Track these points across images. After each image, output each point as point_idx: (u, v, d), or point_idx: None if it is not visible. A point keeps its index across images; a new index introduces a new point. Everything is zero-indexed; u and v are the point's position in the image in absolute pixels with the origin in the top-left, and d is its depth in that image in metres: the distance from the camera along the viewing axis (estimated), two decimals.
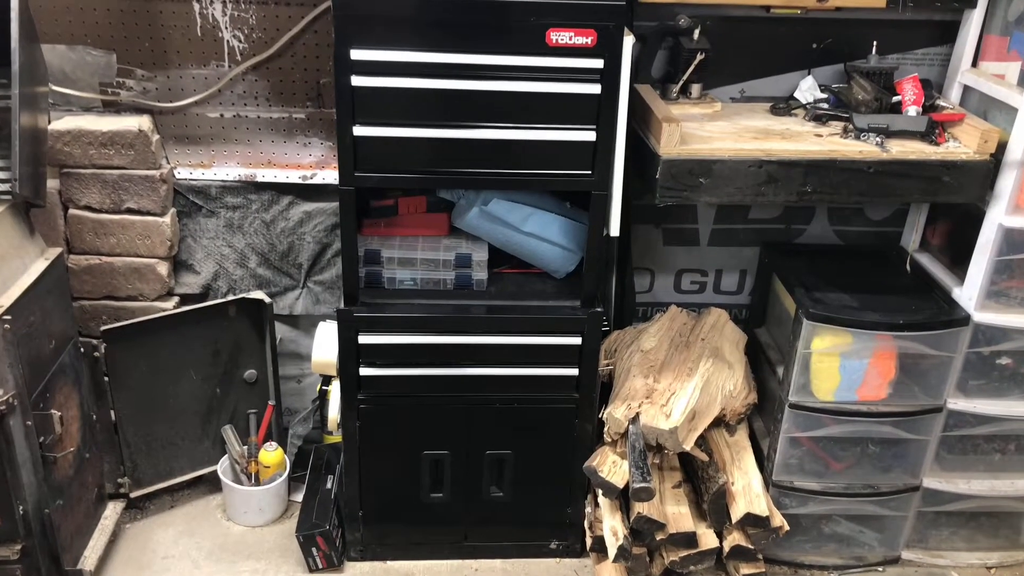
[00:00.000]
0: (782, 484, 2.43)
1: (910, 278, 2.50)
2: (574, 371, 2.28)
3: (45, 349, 2.10)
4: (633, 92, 2.21)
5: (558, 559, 2.51)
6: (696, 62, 2.29)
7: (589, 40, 1.94)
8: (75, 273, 2.47)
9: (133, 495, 2.54)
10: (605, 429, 2.29)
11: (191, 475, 2.64)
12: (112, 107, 2.41)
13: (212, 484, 2.67)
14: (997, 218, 2.16)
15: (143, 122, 2.38)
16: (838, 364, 2.31)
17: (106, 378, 2.40)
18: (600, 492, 2.32)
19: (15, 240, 2.04)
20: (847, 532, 2.52)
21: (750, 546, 2.32)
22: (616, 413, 2.24)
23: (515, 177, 2.08)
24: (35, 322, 2.03)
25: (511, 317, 2.24)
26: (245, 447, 2.60)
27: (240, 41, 2.34)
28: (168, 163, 2.47)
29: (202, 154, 2.48)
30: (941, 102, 2.32)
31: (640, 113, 2.24)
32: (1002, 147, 2.12)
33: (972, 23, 2.31)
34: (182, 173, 2.47)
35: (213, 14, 2.31)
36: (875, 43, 2.34)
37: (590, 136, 2.03)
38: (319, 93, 2.41)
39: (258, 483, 2.57)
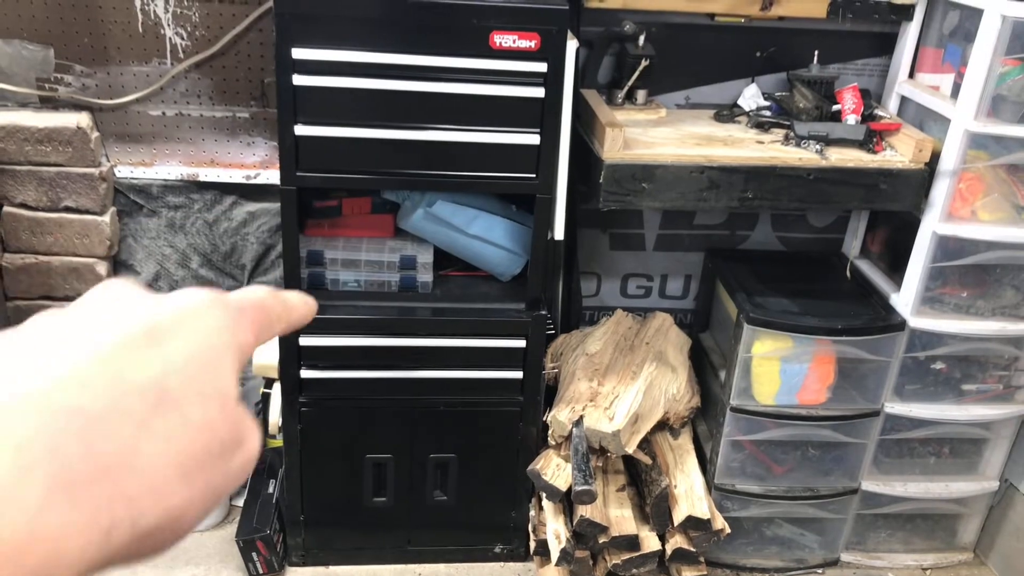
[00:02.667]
0: (724, 487, 2.45)
1: (850, 284, 2.55)
2: (518, 374, 2.28)
3: None
4: (579, 97, 2.23)
5: (502, 563, 2.51)
6: (641, 68, 2.32)
7: (533, 44, 1.94)
8: (10, 272, 2.41)
9: None
10: (549, 432, 2.29)
11: None
12: (50, 103, 2.35)
13: None
14: (931, 226, 2.21)
15: (82, 119, 2.33)
16: (778, 368, 2.34)
17: None
18: (544, 495, 2.32)
19: None
20: (788, 535, 2.56)
21: (692, 549, 2.33)
22: (560, 416, 2.25)
23: (460, 179, 2.08)
24: None
25: (456, 319, 2.23)
26: None
27: (183, 39, 2.31)
28: (108, 161, 2.42)
29: (143, 152, 2.43)
30: (879, 112, 2.37)
31: (585, 118, 2.25)
32: (936, 156, 2.17)
33: (909, 35, 2.36)
34: (122, 171, 2.43)
35: (155, 10, 2.27)
36: (817, 53, 2.38)
37: (534, 140, 2.03)
38: (263, 92, 2.39)
39: None
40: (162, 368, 0.32)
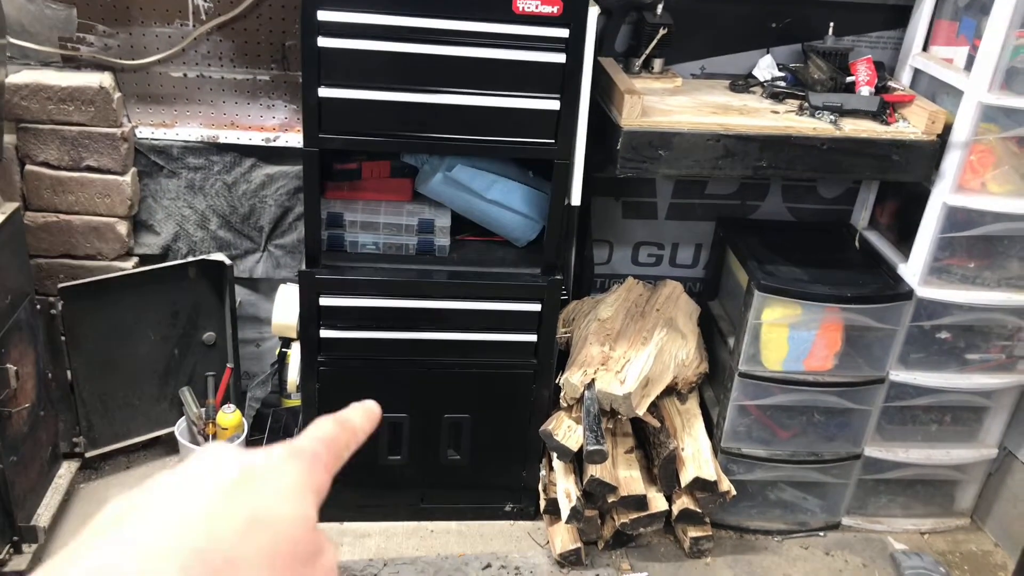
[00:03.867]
0: (730, 451, 2.51)
1: (859, 254, 2.59)
2: (533, 337, 2.33)
3: (1, 304, 2.08)
4: (597, 65, 2.25)
5: (512, 521, 2.57)
6: (659, 37, 2.34)
7: (555, 9, 1.97)
8: (31, 230, 2.44)
9: (88, 455, 2.54)
10: (561, 394, 2.35)
11: (148, 436, 2.64)
12: (72, 63, 2.37)
13: (169, 446, 2.67)
14: (941, 197, 2.25)
15: (104, 79, 2.36)
16: (787, 335, 2.38)
17: (63, 337, 2.38)
18: (555, 456, 2.37)
19: None
20: (791, 498, 2.62)
21: (698, 510, 2.39)
22: (572, 379, 2.30)
23: (479, 144, 2.11)
24: None
25: (472, 283, 2.28)
26: (203, 409, 2.60)
27: (205, 0, 2.33)
28: (129, 121, 2.45)
29: (164, 113, 2.46)
30: (893, 84, 2.40)
31: (603, 85, 2.28)
32: (948, 128, 2.20)
33: (924, 8, 2.39)
34: (143, 132, 2.45)
35: None
36: (832, 25, 2.40)
37: (554, 105, 2.06)
38: (284, 55, 2.41)
39: None
40: (251, 513, 0.42)
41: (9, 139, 2.32)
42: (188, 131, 2.46)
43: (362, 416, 0.54)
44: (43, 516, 2.30)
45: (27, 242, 2.35)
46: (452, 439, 2.44)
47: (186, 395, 2.59)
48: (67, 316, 2.37)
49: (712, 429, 2.51)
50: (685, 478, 2.34)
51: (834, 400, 2.45)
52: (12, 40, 2.29)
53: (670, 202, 2.70)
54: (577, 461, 2.36)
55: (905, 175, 2.26)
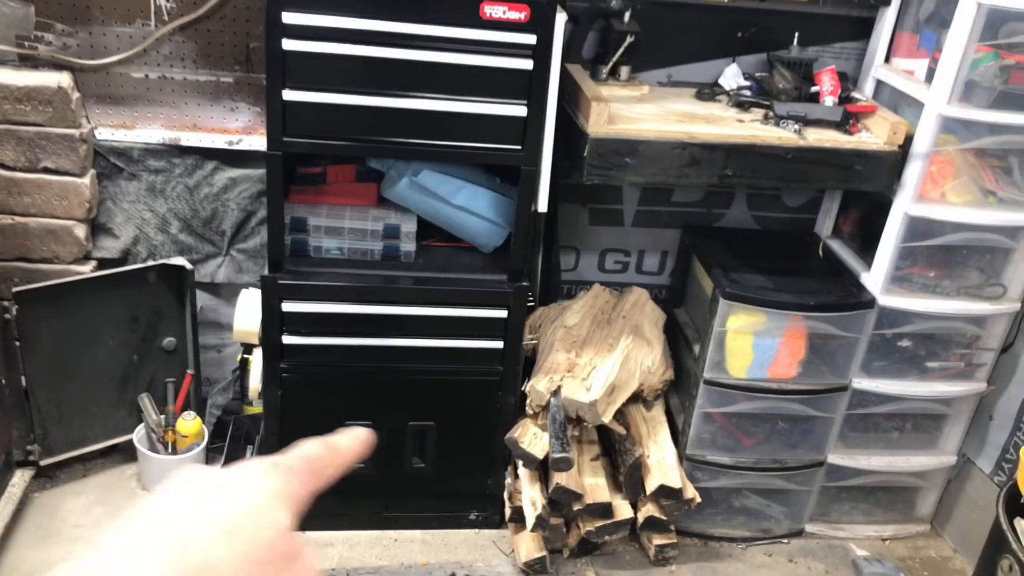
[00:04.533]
0: (695, 458, 2.51)
1: (822, 263, 2.61)
2: (499, 344, 2.31)
3: None
4: (564, 71, 2.24)
5: (477, 530, 2.55)
6: (626, 45, 2.34)
7: (523, 15, 1.96)
8: None
9: (43, 463, 2.47)
10: (527, 402, 2.33)
11: (105, 444, 2.58)
12: (29, 61, 2.32)
13: (127, 453, 2.62)
14: (903, 207, 2.28)
15: (63, 79, 2.31)
16: (751, 342, 2.40)
17: (17, 342, 2.33)
18: (520, 463, 2.36)
19: None
20: (755, 506, 2.63)
21: (663, 517, 2.40)
22: (538, 386, 2.29)
23: (446, 149, 2.10)
24: None
25: (438, 289, 2.26)
26: (162, 416, 2.55)
27: (168, 0, 2.29)
28: (89, 122, 2.40)
29: (125, 115, 2.41)
30: (856, 94, 2.43)
31: (570, 92, 2.28)
32: (909, 139, 2.23)
33: (886, 20, 2.42)
34: (103, 134, 2.40)
35: None
36: (797, 35, 2.42)
37: (521, 111, 2.06)
38: (248, 57, 2.38)
39: (175, 453, 2.53)
40: (227, 520, 0.45)
41: None
42: (149, 133, 2.42)
43: (350, 440, 0.56)
44: None
45: None
46: (417, 447, 2.42)
47: (145, 402, 2.54)
48: (22, 321, 2.31)
49: (677, 436, 2.52)
50: (650, 485, 2.34)
51: (798, 408, 2.47)
52: None
53: (636, 209, 2.71)
54: (543, 469, 2.35)
55: (867, 185, 2.28)
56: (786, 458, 2.55)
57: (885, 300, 2.36)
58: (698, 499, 2.39)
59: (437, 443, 2.41)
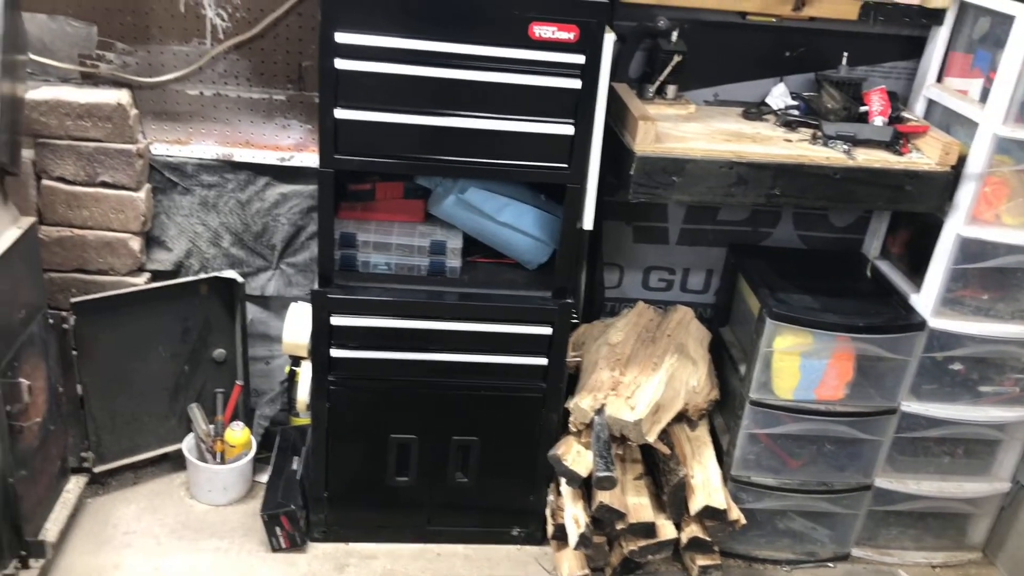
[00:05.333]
0: (740, 479, 2.49)
1: (870, 283, 2.58)
2: (543, 360, 2.32)
3: (15, 318, 2.09)
4: (611, 90, 2.25)
5: (519, 546, 2.55)
6: (673, 64, 2.35)
7: (571, 36, 1.98)
8: (46, 245, 2.45)
9: (96, 470, 2.53)
10: (571, 419, 2.34)
11: (156, 452, 2.63)
12: (90, 79, 2.40)
13: (176, 462, 2.67)
14: (955, 228, 2.24)
15: (122, 96, 2.38)
16: (798, 363, 2.37)
17: (74, 351, 2.39)
18: (563, 481, 2.36)
19: None
20: (800, 528, 2.59)
21: (707, 538, 2.38)
22: (582, 403, 2.29)
23: (493, 167, 2.12)
24: (6, 290, 2.02)
25: (483, 305, 2.28)
26: (211, 426, 2.60)
27: (223, 20, 2.35)
28: (145, 138, 2.46)
29: (180, 131, 2.48)
30: (906, 114, 2.40)
31: (616, 111, 2.29)
32: (962, 160, 2.20)
33: (939, 39, 2.39)
34: (159, 149, 2.47)
35: None
36: (846, 54, 2.41)
37: (568, 130, 2.07)
38: (300, 75, 2.43)
39: (223, 462, 2.58)
40: None
41: (26, 154, 2.34)
42: (203, 149, 2.48)
43: None
44: (51, 531, 2.29)
45: (41, 256, 2.37)
46: (460, 461, 2.43)
47: (195, 412, 2.59)
48: (79, 331, 2.37)
49: (722, 457, 2.50)
50: (694, 506, 2.33)
51: (845, 430, 2.44)
52: (32, 57, 2.31)
53: (681, 227, 2.70)
54: (586, 487, 2.35)
55: (918, 206, 2.25)
56: (832, 481, 2.51)
57: (936, 323, 2.32)
58: (743, 520, 2.37)
59: (480, 458, 2.42)
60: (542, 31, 1.97)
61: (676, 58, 2.34)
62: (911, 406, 2.42)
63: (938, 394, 2.42)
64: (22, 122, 2.19)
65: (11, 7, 1.94)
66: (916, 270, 2.44)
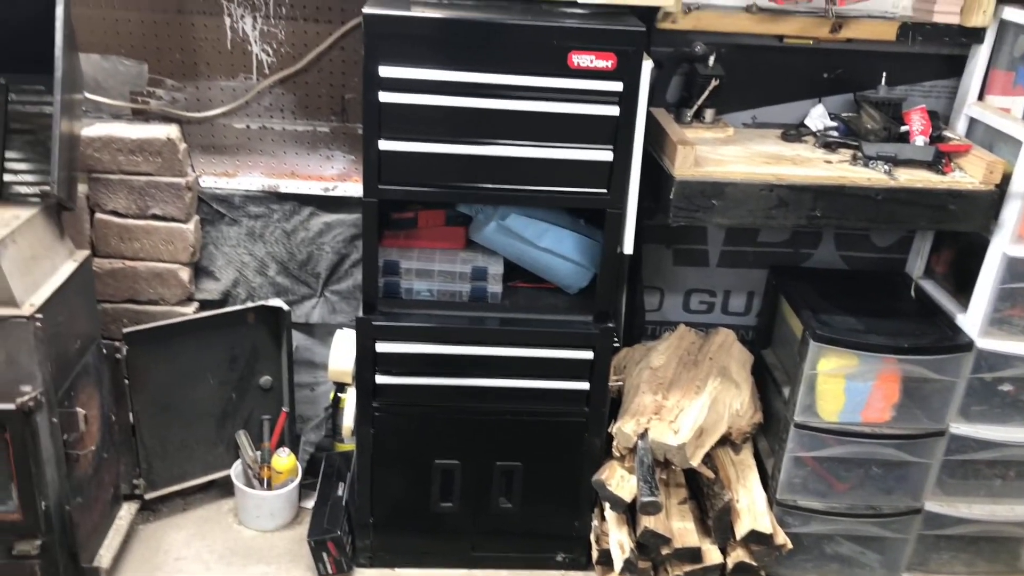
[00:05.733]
0: (786, 503, 2.47)
1: (915, 304, 2.56)
2: (585, 385, 2.33)
3: (71, 349, 2.15)
4: (648, 115, 2.28)
5: (564, 572, 2.54)
6: (711, 88, 2.36)
7: (609, 64, 2.01)
8: (99, 276, 2.52)
9: (147, 496, 2.58)
10: (614, 444, 2.34)
11: (204, 479, 2.68)
12: (141, 115, 2.47)
13: (224, 488, 2.71)
14: (1001, 247, 2.22)
15: (171, 131, 2.45)
16: (843, 386, 2.35)
17: (126, 380, 2.45)
18: (608, 506, 2.36)
19: (47, 241, 2.09)
20: (849, 552, 2.56)
21: (753, 563, 2.35)
22: (625, 428, 2.29)
23: (533, 194, 2.14)
24: (63, 322, 2.08)
25: (525, 330, 2.29)
26: (258, 452, 2.64)
27: (269, 55, 2.42)
28: (194, 171, 2.53)
29: (227, 163, 2.54)
30: (948, 133, 2.39)
31: (654, 136, 2.30)
32: (1007, 178, 2.18)
33: (979, 58, 2.38)
34: (207, 181, 2.54)
35: (244, 28, 2.38)
36: (884, 74, 2.41)
37: (607, 156, 2.09)
38: (343, 108, 2.48)
39: (270, 488, 2.61)
40: None
41: (81, 189, 2.42)
42: (250, 180, 2.54)
43: None
44: (104, 557, 2.34)
45: (95, 288, 2.43)
46: (504, 487, 2.44)
47: (242, 438, 2.63)
48: (131, 360, 2.43)
49: (767, 480, 2.48)
50: (740, 530, 2.31)
51: (892, 452, 2.41)
52: (87, 95, 2.39)
53: (722, 249, 2.70)
54: (630, 511, 2.34)
55: (963, 225, 2.24)
56: (881, 504, 2.48)
57: (984, 343, 2.29)
58: (789, 545, 2.35)
59: (524, 484, 2.43)
60: (581, 60, 2.00)
61: (713, 82, 2.35)
62: (960, 428, 2.38)
63: (987, 415, 2.38)
64: (78, 158, 2.26)
65: (70, 48, 2.01)
66: (962, 290, 2.42)
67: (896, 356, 2.31)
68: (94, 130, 2.41)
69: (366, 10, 1.94)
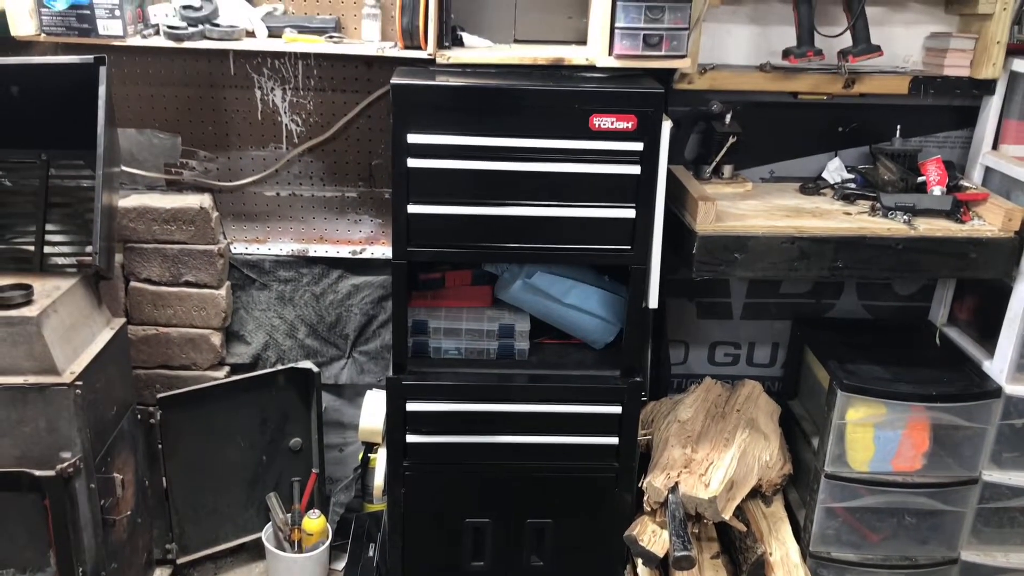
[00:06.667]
0: (820, 555, 2.45)
1: (940, 351, 2.56)
2: (614, 440, 2.34)
3: (108, 415, 2.19)
4: (668, 173, 2.33)
5: None
6: (728, 144, 2.42)
7: (630, 125, 2.06)
8: (133, 343, 2.57)
9: (180, 561, 2.60)
10: (644, 498, 2.34)
11: (235, 542, 2.69)
12: (175, 186, 2.55)
13: (255, 552, 2.72)
14: None
15: (204, 200, 2.52)
16: (872, 435, 2.35)
17: (159, 445, 2.48)
18: (640, 561, 2.35)
19: (85, 310, 2.15)
20: None
21: None
22: (656, 482, 2.29)
23: (558, 252, 2.18)
24: (100, 389, 2.13)
25: (553, 386, 2.31)
26: (288, 515, 2.65)
27: (298, 125, 2.50)
28: (225, 238, 2.60)
29: (258, 230, 2.61)
30: (964, 182, 2.42)
31: (675, 192, 2.35)
32: None
33: (991, 108, 2.43)
34: (238, 248, 2.60)
35: (273, 100, 2.47)
36: (899, 127, 2.46)
37: (630, 213, 2.14)
38: (371, 174, 2.55)
39: (301, 551, 2.61)
40: None
41: (116, 258, 2.48)
42: (280, 246, 2.60)
43: None
44: None
45: (130, 354, 2.48)
46: (535, 544, 2.43)
47: (272, 501, 2.65)
48: (164, 425, 2.47)
49: (799, 532, 2.46)
50: None
51: (925, 501, 2.39)
52: (123, 168, 2.48)
53: (745, 302, 2.73)
54: (663, 567, 2.33)
55: (984, 272, 2.26)
56: (916, 555, 2.46)
57: (1012, 389, 2.30)
58: None
59: (555, 540, 2.42)
60: (602, 122, 2.05)
61: (731, 139, 2.41)
62: (992, 475, 2.37)
63: (1020, 462, 2.37)
64: (115, 229, 2.33)
65: (109, 124, 2.10)
66: (987, 336, 2.43)
67: (924, 404, 2.31)
68: (130, 201, 2.49)
69: (395, 80, 2.01)
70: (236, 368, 2.69)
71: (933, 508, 2.40)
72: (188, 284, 2.57)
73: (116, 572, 2.22)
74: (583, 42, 2.39)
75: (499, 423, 2.32)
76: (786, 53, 2.35)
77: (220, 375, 2.64)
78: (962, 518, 2.42)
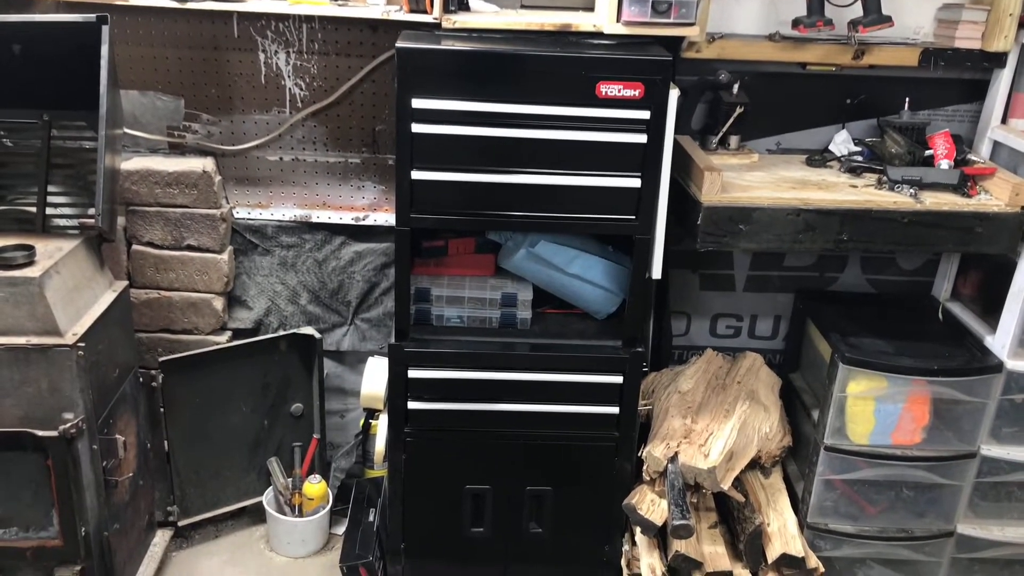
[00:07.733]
0: (817, 526, 2.46)
1: (942, 326, 2.56)
2: (615, 409, 2.34)
3: (110, 377, 2.20)
4: (674, 143, 2.31)
5: None
6: (735, 115, 2.40)
7: (637, 92, 2.04)
8: (135, 306, 2.57)
9: (181, 524, 2.62)
10: (644, 468, 2.35)
11: (236, 506, 2.71)
12: (177, 149, 2.54)
13: (255, 515, 2.74)
14: None
15: (207, 164, 2.51)
16: (873, 408, 2.36)
17: (161, 408, 2.49)
18: (638, 530, 2.36)
19: (88, 272, 2.15)
20: None
21: None
22: (655, 452, 2.30)
23: (562, 221, 2.17)
24: (103, 351, 2.13)
25: (554, 355, 2.32)
26: (289, 479, 2.67)
27: (301, 89, 2.48)
28: (228, 203, 2.59)
29: (260, 195, 2.60)
30: (972, 156, 2.40)
31: (681, 163, 2.34)
32: None
33: (1002, 82, 2.41)
34: (241, 213, 2.59)
35: (277, 63, 2.45)
36: (907, 99, 2.43)
37: (635, 183, 2.13)
38: (374, 139, 2.54)
39: (301, 515, 2.63)
40: None
41: (119, 221, 2.47)
42: (282, 211, 2.59)
43: None
44: None
45: (132, 317, 2.48)
46: (534, 511, 2.45)
47: (274, 465, 2.66)
48: (166, 388, 2.47)
49: (797, 504, 2.47)
50: (772, 554, 2.30)
51: (923, 475, 2.40)
52: (126, 130, 2.46)
53: (748, 274, 2.72)
54: (661, 536, 2.34)
55: (989, 247, 2.25)
56: (913, 527, 2.47)
57: (1013, 364, 2.30)
58: (821, 569, 2.34)
59: (554, 508, 2.44)
60: (608, 89, 2.04)
61: (738, 109, 2.39)
62: (991, 450, 2.38)
63: (1019, 437, 2.38)
64: (118, 192, 2.32)
65: (112, 86, 2.08)
66: (990, 311, 2.42)
67: (925, 378, 2.32)
68: (132, 164, 2.48)
69: (399, 44, 1.99)
70: (238, 333, 2.69)
71: (931, 481, 2.41)
72: (190, 248, 2.56)
73: (118, 533, 2.24)
74: (591, 8, 2.36)
75: (500, 391, 2.32)
76: (796, 23, 2.33)
77: (222, 340, 2.65)
78: (960, 492, 2.43)
